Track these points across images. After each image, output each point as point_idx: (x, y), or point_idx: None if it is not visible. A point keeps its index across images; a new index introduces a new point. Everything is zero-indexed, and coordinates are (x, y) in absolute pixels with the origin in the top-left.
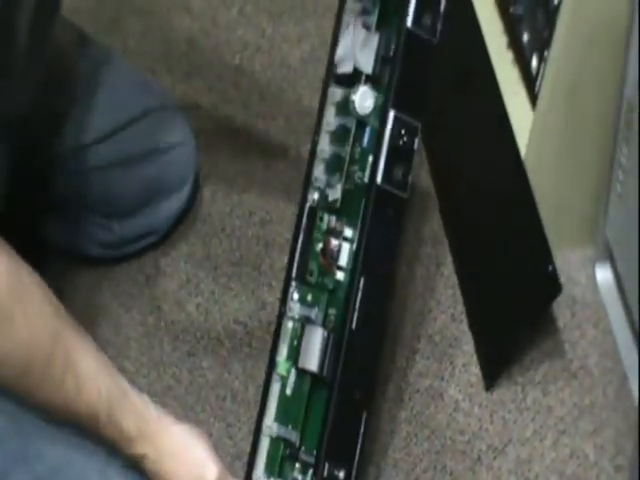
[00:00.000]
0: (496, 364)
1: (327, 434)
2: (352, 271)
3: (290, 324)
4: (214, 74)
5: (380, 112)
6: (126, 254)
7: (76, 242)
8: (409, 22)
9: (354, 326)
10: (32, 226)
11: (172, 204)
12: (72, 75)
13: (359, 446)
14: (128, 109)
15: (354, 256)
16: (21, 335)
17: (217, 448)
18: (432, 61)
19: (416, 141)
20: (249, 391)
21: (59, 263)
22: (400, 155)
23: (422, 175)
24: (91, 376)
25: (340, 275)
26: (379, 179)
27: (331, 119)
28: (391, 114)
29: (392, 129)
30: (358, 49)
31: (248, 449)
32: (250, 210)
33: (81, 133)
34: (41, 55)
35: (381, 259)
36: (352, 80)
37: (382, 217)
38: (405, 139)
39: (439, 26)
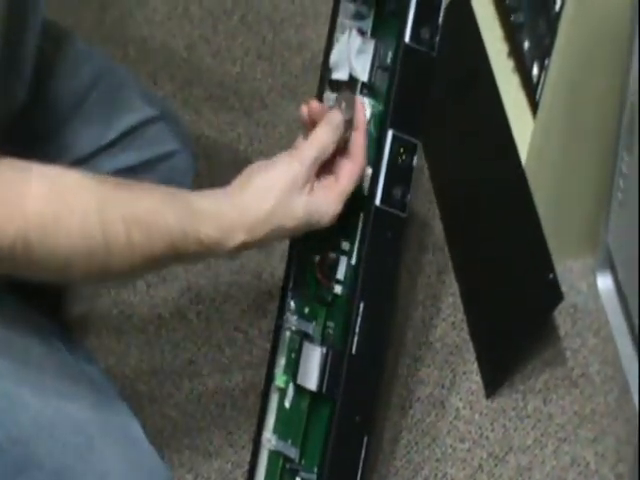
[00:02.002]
0: (497, 372)
1: (328, 459)
2: (351, 296)
3: (288, 337)
4: (215, 81)
5: (377, 119)
6: None
7: None
8: (407, 37)
9: (354, 351)
10: None
11: None
12: (71, 84)
13: (360, 470)
14: (128, 118)
15: (353, 280)
16: (69, 230)
17: (217, 456)
18: (431, 75)
19: (415, 159)
20: (249, 399)
21: None
22: (399, 174)
23: (423, 182)
24: (153, 217)
25: (338, 289)
26: (378, 201)
27: None
28: (389, 133)
29: (391, 149)
30: (353, 56)
31: (249, 458)
32: None
33: (80, 143)
34: (32, 42)
35: (381, 282)
36: (348, 87)
37: (381, 239)
38: (404, 157)
39: (438, 39)
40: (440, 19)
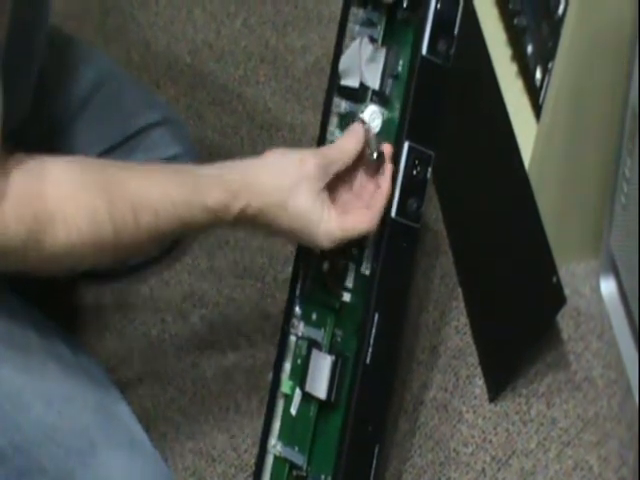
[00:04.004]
0: (500, 376)
1: (342, 469)
2: (366, 306)
3: (293, 342)
4: (218, 85)
5: (387, 126)
6: (130, 266)
7: None
8: (424, 49)
9: (368, 361)
10: None
11: None
12: (75, 88)
13: (372, 478)
14: (131, 122)
15: (367, 291)
16: (80, 228)
17: (220, 460)
18: (446, 87)
19: (430, 170)
20: (252, 403)
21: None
22: (414, 186)
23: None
24: (157, 195)
25: (347, 296)
26: (393, 213)
27: (335, 131)
28: (405, 145)
29: (406, 161)
30: (364, 64)
31: (252, 461)
32: None
33: (84, 147)
34: (38, 52)
35: (395, 293)
36: (358, 95)
37: (396, 250)
38: (419, 169)
39: (453, 51)
40: (456, 31)
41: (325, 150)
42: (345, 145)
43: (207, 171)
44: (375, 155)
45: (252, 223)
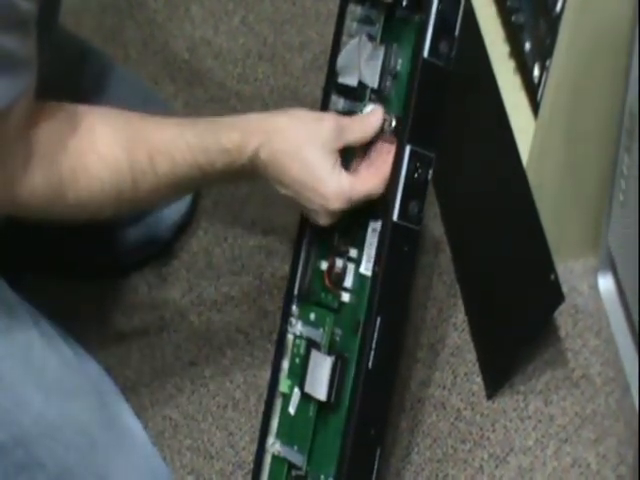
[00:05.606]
0: (498, 373)
1: (345, 473)
2: (368, 310)
3: (291, 341)
4: (216, 83)
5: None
6: (128, 263)
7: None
8: (425, 52)
9: (370, 366)
10: (33, 238)
11: (173, 213)
12: (74, 86)
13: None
14: None
15: (368, 293)
16: (102, 181)
17: (218, 457)
18: (447, 89)
19: (430, 172)
20: (250, 400)
21: (62, 271)
22: (415, 189)
23: None
24: (172, 139)
25: (345, 296)
26: (395, 216)
27: None
28: (407, 149)
29: (408, 164)
30: (363, 63)
31: (250, 458)
32: (252, 219)
33: None
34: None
35: (397, 295)
36: (357, 93)
37: (398, 254)
38: (420, 171)
39: (454, 52)
40: (457, 32)
41: (344, 117)
42: (364, 119)
43: (223, 118)
44: (394, 123)
45: (264, 169)
